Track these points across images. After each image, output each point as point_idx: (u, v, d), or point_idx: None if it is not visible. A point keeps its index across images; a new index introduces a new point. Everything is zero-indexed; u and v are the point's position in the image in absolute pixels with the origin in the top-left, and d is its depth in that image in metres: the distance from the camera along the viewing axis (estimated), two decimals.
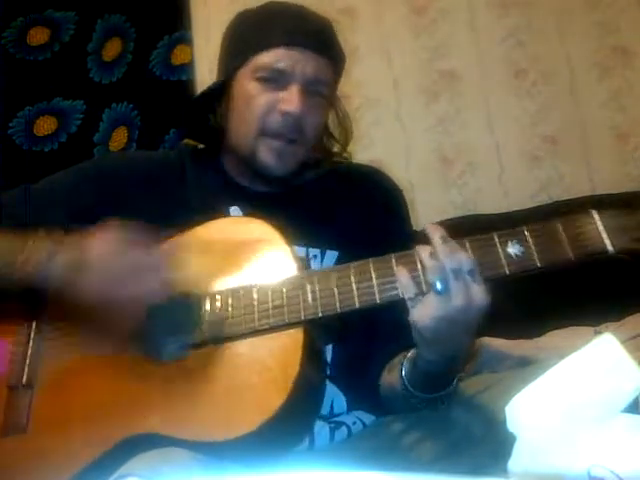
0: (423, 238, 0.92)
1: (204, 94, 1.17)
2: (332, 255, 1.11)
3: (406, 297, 0.88)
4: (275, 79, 1.08)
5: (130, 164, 1.18)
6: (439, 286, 0.84)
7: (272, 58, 1.08)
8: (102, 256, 0.91)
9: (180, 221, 1.05)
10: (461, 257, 0.85)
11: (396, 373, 0.99)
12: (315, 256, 1.10)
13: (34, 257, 0.95)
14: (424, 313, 0.86)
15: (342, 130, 1.20)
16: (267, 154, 1.09)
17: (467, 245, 0.88)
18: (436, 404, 0.97)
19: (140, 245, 0.92)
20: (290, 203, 1.12)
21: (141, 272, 0.91)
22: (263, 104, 1.08)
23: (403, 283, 0.88)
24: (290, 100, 1.07)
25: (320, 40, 1.11)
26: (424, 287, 0.87)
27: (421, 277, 0.88)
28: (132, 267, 0.91)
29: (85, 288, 0.91)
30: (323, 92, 1.12)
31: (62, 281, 0.92)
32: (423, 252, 0.87)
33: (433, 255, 0.86)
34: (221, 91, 1.14)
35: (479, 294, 0.85)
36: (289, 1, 1.17)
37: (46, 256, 0.94)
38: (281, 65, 1.07)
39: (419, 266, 0.88)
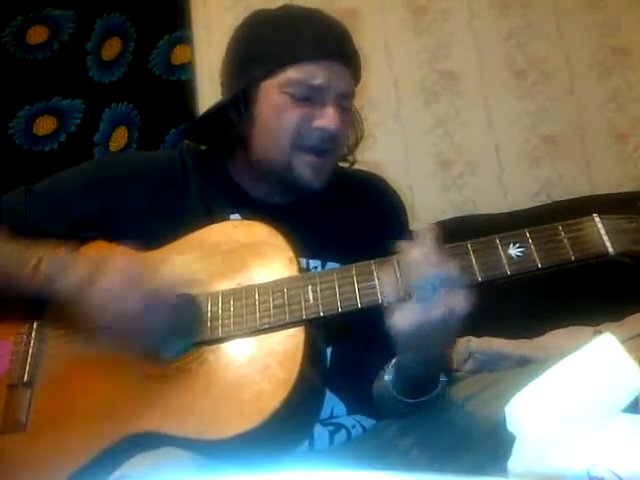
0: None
1: (224, 102, 1.12)
2: (333, 267, 1.10)
3: (384, 302, 0.88)
4: (308, 96, 1.06)
5: (132, 167, 1.16)
6: (421, 293, 0.84)
7: (306, 74, 1.05)
8: (115, 285, 0.91)
9: (181, 225, 1.04)
10: (445, 266, 0.85)
11: (383, 379, 0.99)
12: (316, 267, 1.10)
13: (45, 268, 0.95)
14: (404, 318, 0.86)
15: (353, 134, 1.18)
16: (304, 169, 1.07)
17: (469, 247, 0.89)
18: (422, 409, 0.97)
19: (149, 280, 0.93)
20: (292, 214, 1.12)
21: (151, 310, 0.91)
22: (296, 119, 1.06)
23: (384, 288, 0.88)
24: (327, 117, 1.06)
25: (348, 52, 1.10)
26: (404, 293, 0.87)
27: (402, 283, 0.87)
28: (143, 302, 0.91)
29: (94, 308, 0.91)
30: (350, 105, 1.12)
31: (71, 296, 0.92)
32: (408, 257, 0.87)
33: (417, 263, 0.86)
34: (237, 97, 1.10)
35: (460, 303, 0.85)
36: (304, 5, 1.13)
37: (58, 269, 0.94)
38: (317, 82, 1.05)
39: (397, 273, 0.88)
